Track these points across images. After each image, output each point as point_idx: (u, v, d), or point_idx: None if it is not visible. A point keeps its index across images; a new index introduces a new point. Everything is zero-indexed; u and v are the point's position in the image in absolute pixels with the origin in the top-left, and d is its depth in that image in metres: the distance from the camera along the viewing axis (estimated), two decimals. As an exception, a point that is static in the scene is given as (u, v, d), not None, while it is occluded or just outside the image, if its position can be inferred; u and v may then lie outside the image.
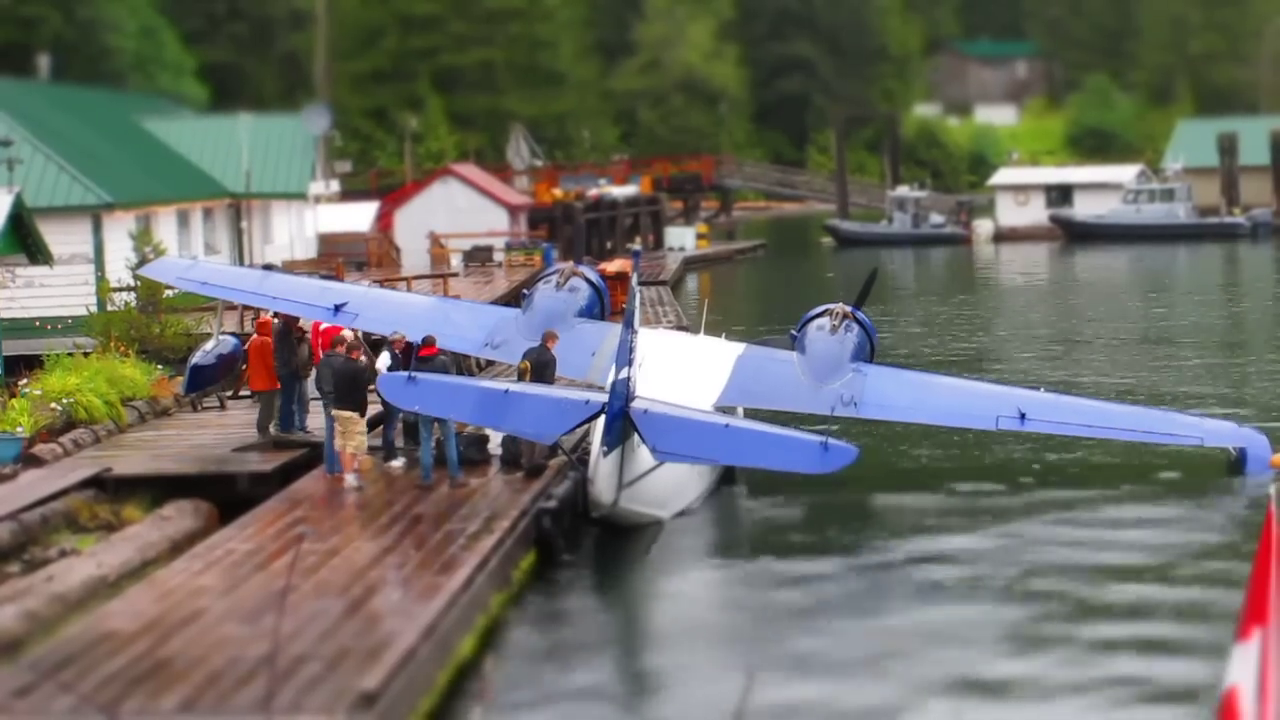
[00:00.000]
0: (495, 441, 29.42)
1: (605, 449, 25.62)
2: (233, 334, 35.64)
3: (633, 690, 20.31)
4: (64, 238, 46.82)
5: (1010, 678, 19.76)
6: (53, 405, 32.97)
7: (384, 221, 77.39)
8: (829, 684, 19.83)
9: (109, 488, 28.70)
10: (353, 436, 27.85)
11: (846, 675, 20.14)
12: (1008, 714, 18.69)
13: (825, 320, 31.38)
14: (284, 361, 30.83)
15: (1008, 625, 21.79)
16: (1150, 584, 23.63)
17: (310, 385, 30.66)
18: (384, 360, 29.97)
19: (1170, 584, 23.64)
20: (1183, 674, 19.68)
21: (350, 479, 27.77)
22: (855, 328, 31.36)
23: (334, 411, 27.82)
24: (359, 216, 76.60)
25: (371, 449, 29.39)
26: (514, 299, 47.10)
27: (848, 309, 31.66)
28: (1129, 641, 20.95)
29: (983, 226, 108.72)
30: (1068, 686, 19.35)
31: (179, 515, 27.54)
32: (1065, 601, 22.77)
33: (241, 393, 35.62)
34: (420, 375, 27.34)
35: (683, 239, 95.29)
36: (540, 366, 29.16)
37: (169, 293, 41.24)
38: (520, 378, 29.01)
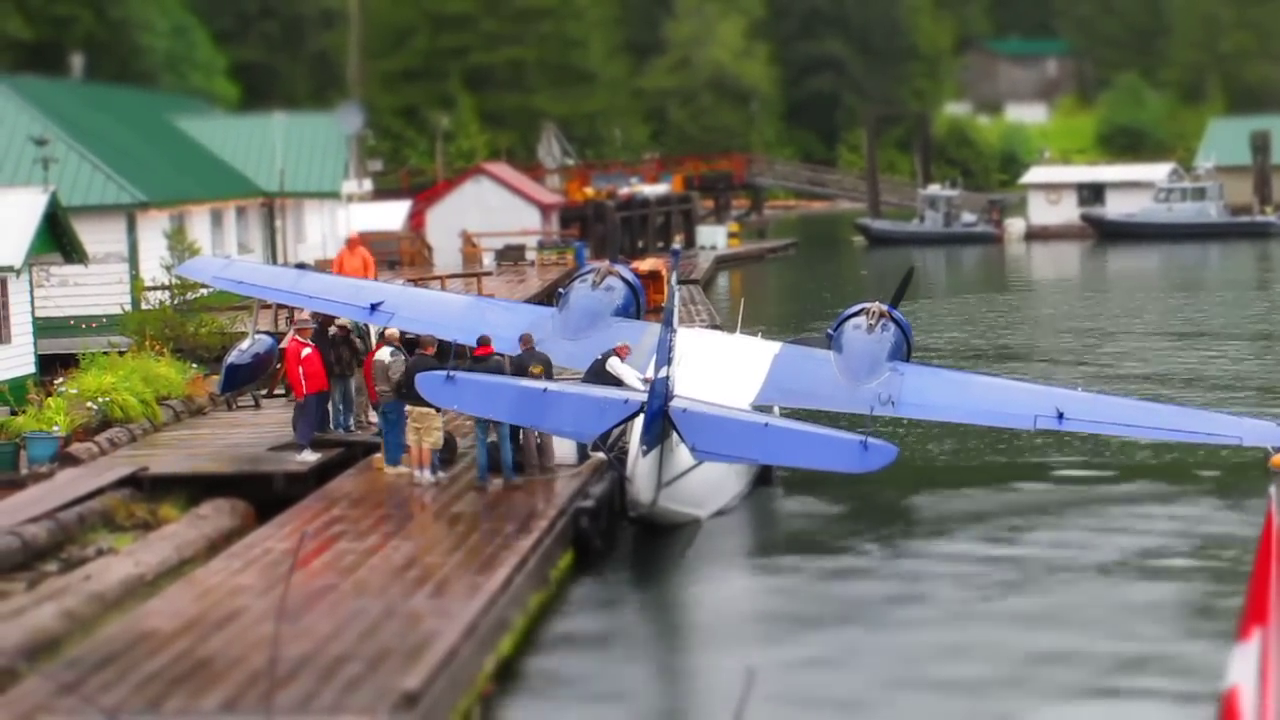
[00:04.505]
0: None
1: (644, 448, 25.54)
2: (268, 333, 35.61)
3: (667, 691, 20.26)
4: (99, 236, 46.88)
5: (1018, 677, 19.81)
6: (88, 404, 33.01)
7: (416, 220, 77.40)
8: (863, 685, 19.82)
9: (145, 487, 28.68)
10: (430, 433, 27.83)
11: (881, 676, 20.11)
12: (1014, 713, 18.67)
13: (862, 319, 31.20)
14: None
15: (1027, 626, 21.81)
16: (1167, 585, 23.62)
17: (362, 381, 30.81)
18: (384, 354, 29.35)
19: (1186, 584, 23.62)
20: (1184, 674, 19.65)
21: (426, 474, 27.82)
22: (892, 326, 31.18)
23: (408, 407, 27.85)
24: (391, 215, 76.54)
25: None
26: (547, 298, 47.05)
27: (884, 308, 31.49)
28: (1132, 643, 20.95)
29: (1014, 225, 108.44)
30: (1070, 686, 19.42)
31: (216, 514, 27.54)
32: (1086, 601, 22.81)
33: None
34: (458, 374, 27.30)
35: (714, 238, 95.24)
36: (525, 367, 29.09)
37: (203, 291, 41.26)
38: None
